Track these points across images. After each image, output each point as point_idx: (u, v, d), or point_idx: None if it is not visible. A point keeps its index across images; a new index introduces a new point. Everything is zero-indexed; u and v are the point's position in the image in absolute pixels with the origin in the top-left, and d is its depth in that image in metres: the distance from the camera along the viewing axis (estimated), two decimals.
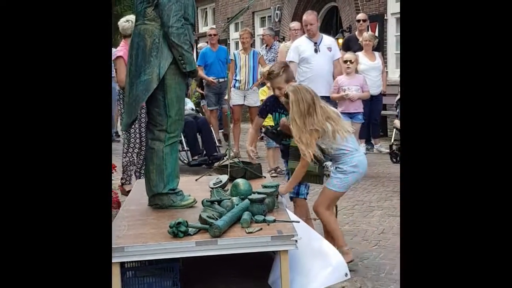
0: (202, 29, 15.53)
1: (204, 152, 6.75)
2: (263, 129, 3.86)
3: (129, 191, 4.14)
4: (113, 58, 5.30)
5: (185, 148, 6.70)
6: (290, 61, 6.22)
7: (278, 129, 3.64)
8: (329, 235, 3.40)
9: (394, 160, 7.00)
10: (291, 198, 3.70)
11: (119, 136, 8.66)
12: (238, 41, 13.71)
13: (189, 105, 7.20)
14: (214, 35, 8.19)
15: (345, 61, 6.03)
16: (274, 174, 6.07)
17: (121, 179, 5.44)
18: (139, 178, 5.15)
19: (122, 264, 2.79)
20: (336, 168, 3.37)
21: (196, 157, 6.68)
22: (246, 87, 7.27)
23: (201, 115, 7.52)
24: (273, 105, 3.72)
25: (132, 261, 2.92)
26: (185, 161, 6.77)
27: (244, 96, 7.31)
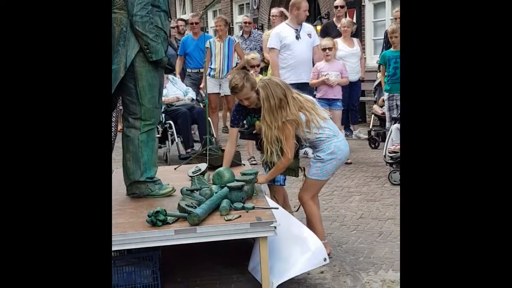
0: (180, 16, 15.38)
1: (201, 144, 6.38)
2: (239, 134, 3.80)
3: None
4: None
5: (176, 140, 6.47)
6: (272, 48, 6.22)
7: (254, 132, 3.63)
8: (310, 225, 3.42)
9: (373, 146, 7.07)
10: (268, 185, 3.71)
11: None
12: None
13: (190, 94, 6.95)
14: (196, 23, 7.93)
15: (324, 49, 6.03)
16: (253, 162, 6.07)
17: None
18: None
19: None
20: (315, 156, 3.38)
21: (189, 150, 6.36)
22: (221, 75, 7.21)
23: (201, 105, 7.02)
24: (243, 112, 3.65)
25: (112, 251, 2.91)
26: (180, 155, 6.44)
27: (220, 85, 7.25)
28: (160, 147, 6.33)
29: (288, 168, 3.42)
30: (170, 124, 6.38)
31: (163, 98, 5.76)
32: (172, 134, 6.44)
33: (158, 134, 6.19)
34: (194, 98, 6.98)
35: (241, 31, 8.62)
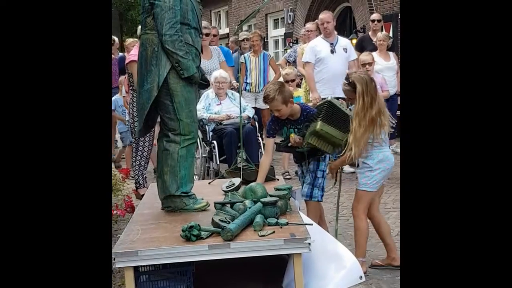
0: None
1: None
2: (275, 147, 3.79)
3: (143, 195, 4.15)
4: (126, 62, 5.33)
5: (218, 162, 5.64)
6: (307, 62, 6.22)
7: (289, 145, 3.61)
8: (355, 240, 3.36)
9: None
10: (305, 201, 3.68)
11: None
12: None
13: (247, 112, 6.02)
14: (214, 35, 7.25)
15: (363, 64, 5.98)
16: (288, 176, 6.05)
17: (135, 183, 5.47)
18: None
19: (136, 268, 2.79)
20: (362, 164, 3.31)
21: None
22: (257, 90, 7.21)
23: (250, 124, 6.05)
24: (279, 123, 3.67)
25: (146, 265, 2.93)
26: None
27: (256, 99, 7.22)
28: (208, 168, 5.91)
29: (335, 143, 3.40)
30: (214, 144, 5.70)
31: (213, 116, 5.77)
32: (216, 156, 5.68)
33: (205, 154, 5.91)
34: (251, 116, 6.08)
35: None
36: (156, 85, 3.19)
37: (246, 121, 5.86)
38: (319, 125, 3.34)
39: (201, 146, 5.86)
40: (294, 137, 3.55)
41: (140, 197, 4.95)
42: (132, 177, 5.55)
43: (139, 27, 5.40)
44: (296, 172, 3.85)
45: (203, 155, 5.86)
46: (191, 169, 3.41)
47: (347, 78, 3.27)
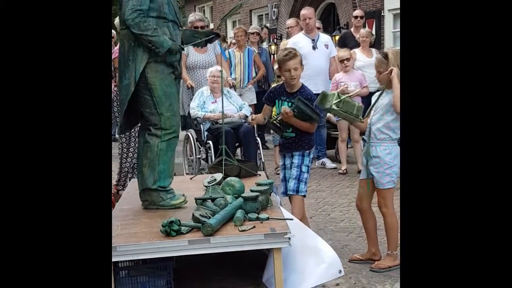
0: None
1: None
2: (266, 120, 3.82)
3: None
4: (113, 58, 5.30)
5: (208, 163, 5.32)
6: None
7: (279, 119, 3.64)
8: (389, 236, 3.39)
9: None
10: (289, 196, 3.69)
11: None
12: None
13: (244, 111, 5.85)
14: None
15: (341, 60, 6.00)
16: (278, 172, 6.11)
17: (117, 184, 5.35)
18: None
19: (115, 263, 2.78)
20: (380, 160, 3.34)
21: None
22: (241, 85, 7.20)
23: (247, 124, 5.71)
24: (279, 92, 3.74)
25: (126, 261, 2.91)
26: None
27: (240, 95, 7.08)
28: (203, 170, 5.52)
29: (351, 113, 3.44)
30: (210, 144, 5.45)
31: (209, 115, 5.56)
32: (211, 156, 5.43)
33: (200, 155, 5.68)
34: (248, 115, 5.82)
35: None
36: (133, 80, 3.15)
37: (243, 120, 5.70)
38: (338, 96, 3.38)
39: (195, 147, 5.67)
40: (285, 108, 3.58)
41: (117, 198, 4.82)
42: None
43: (116, 20, 5.36)
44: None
45: (198, 156, 5.65)
46: (171, 164, 3.36)
47: (382, 52, 3.38)
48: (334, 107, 3.33)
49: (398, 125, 3.28)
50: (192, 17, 6.29)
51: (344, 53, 6.06)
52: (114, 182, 5.37)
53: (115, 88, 5.31)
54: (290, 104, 3.61)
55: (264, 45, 9.93)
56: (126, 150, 5.27)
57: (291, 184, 3.66)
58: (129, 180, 5.23)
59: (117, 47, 5.36)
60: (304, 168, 3.67)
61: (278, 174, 6.06)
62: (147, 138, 3.30)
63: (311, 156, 3.74)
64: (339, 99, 3.32)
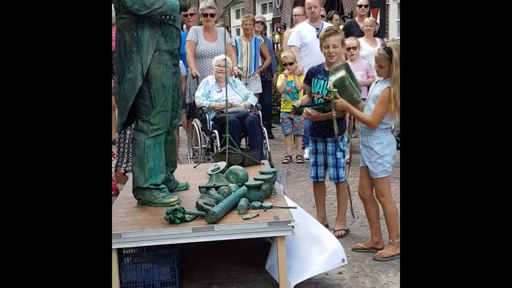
0: None
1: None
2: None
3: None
4: None
5: (212, 153, 5.22)
6: (292, 46, 6.22)
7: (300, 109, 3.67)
8: (389, 224, 3.39)
9: (399, 145, 6.97)
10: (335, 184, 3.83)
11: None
12: (239, 28, 13.67)
13: (250, 100, 5.74)
14: (191, 14, 6.77)
15: (348, 48, 5.97)
16: (285, 161, 6.23)
17: (117, 166, 5.31)
18: None
19: (119, 250, 2.80)
20: (370, 150, 3.35)
21: None
22: (247, 75, 7.11)
23: (253, 113, 5.69)
24: (316, 71, 3.79)
25: (130, 248, 2.93)
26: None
27: (246, 84, 6.92)
28: (209, 160, 5.33)
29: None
30: (215, 134, 5.37)
31: (214, 104, 5.47)
32: (217, 146, 5.33)
33: (205, 144, 5.60)
34: (254, 104, 5.77)
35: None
36: (140, 73, 3.03)
37: (249, 110, 5.64)
38: (344, 73, 3.38)
39: (200, 137, 5.62)
40: (307, 110, 3.61)
41: (124, 181, 4.85)
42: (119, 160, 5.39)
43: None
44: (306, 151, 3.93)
45: (203, 145, 5.61)
46: (161, 160, 3.19)
47: (383, 45, 3.32)
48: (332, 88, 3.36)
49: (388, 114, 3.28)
50: (203, 4, 6.27)
51: (351, 41, 6.03)
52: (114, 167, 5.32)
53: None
54: (326, 82, 3.58)
55: (268, 34, 9.85)
56: (123, 134, 5.21)
57: (331, 172, 3.78)
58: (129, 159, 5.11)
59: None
60: (339, 154, 3.75)
61: (285, 163, 6.14)
62: (134, 134, 3.20)
63: (345, 139, 3.81)
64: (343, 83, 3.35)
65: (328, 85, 3.41)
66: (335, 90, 3.36)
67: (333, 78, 3.38)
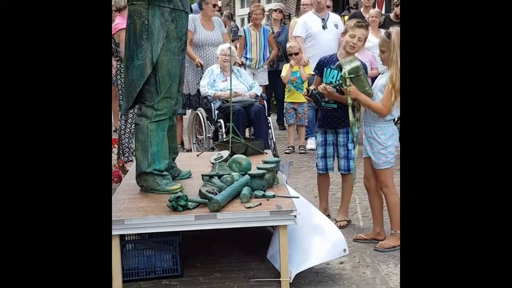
0: None
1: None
2: (304, 91, 3.81)
3: (127, 171, 4.08)
4: (113, 32, 5.17)
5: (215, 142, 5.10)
6: (297, 36, 6.19)
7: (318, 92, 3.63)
8: (391, 215, 3.40)
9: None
10: (342, 175, 3.86)
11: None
12: (243, 18, 13.61)
13: (254, 90, 5.72)
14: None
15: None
16: (287, 151, 6.17)
17: (122, 155, 5.32)
18: None
19: (122, 236, 2.82)
20: (374, 141, 3.35)
21: None
22: (257, 66, 6.98)
23: (258, 103, 5.71)
24: (329, 61, 3.77)
25: (132, 234, 2.95)
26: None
27: (254, 75, 6.90)
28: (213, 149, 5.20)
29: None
30: (221, 123, 5.38)
31: (219, 93, 5.47)
32: (222, 135, 5.28)
33: (209, 134, 5.59)
34: (259, 94, 5.77)
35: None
36: (150, 61, 3.02)
37: (254, 100, 5.62)
38: (359, 63, 3.39)
39: (205, 126, 5.61)
40: (324, 85, 3.61)
41: (125, 172, 4.83)
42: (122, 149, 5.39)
43: None
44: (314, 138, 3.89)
45: (208, 135, 5.60)
46: (164, 145, 3.18)
47: (386, 32, 3.33)
48: (346, 74, 3.35)
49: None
50: None
51: None
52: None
53: (118, 62, 5.18)
54: (336, 70, 3.59)
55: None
56: (124, 121, 5.20)
57: (342, 163, 3.79)
58: (131, 150, 5.12)
59: (117, 20, 5.26)
60: (350, 146, 3.75)
61: (287, 153, 6.13)
62: (136, 119, 3.20)
63: (356, 130, 3.76)
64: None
65: (342, 72, 3.38)
66: (351, 76, 3.35)
67: (347, 67, 3.37)
